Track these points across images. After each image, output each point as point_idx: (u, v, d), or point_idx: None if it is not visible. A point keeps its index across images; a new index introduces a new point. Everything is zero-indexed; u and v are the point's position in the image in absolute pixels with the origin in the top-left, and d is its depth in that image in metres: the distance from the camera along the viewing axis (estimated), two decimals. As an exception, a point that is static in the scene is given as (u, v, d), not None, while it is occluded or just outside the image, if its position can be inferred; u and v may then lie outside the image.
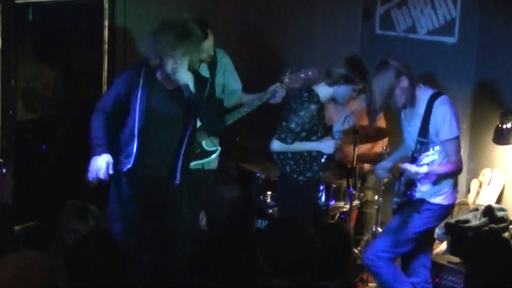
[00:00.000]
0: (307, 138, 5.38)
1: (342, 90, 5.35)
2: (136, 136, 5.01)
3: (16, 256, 3.23)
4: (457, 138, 4.94)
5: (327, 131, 5.59)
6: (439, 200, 5.06)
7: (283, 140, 5.34)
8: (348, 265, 3.91)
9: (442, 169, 4.94)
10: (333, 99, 5.48)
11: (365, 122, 6.36)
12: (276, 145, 5.39)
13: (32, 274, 3.08)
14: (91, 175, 5.00)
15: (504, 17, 6.02)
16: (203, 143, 5.63)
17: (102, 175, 4.98)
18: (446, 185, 5.05)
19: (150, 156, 5.09)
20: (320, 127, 5.41)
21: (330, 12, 6.99)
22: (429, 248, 5.39)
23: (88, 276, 3.38)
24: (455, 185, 5.13)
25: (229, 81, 5.76)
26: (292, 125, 5.31)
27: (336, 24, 6.96)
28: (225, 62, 5.73)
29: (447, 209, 5.17)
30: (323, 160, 5.43)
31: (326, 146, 5.39)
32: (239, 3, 7.36)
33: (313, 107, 5.30)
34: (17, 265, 3.10)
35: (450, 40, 6.32)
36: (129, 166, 5.05)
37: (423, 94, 4.97)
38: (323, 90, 5.37)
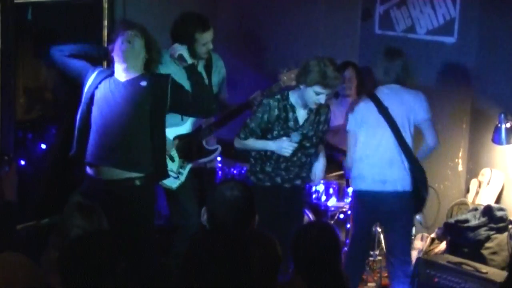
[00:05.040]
0: (263, 137, 5.33)
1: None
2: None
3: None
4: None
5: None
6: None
7: (238, 135, 5.36)
8: (339, 263, 3.91)
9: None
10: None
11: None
12: (235, 141, 5.40)
13: (19, 276, 3.09)
14: None
15: (504, 17, 6.02)
16: (203, 142, 5.67)
17: None
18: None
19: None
20: (278, 127, 5.28)
21: (329, 11, 6.99)
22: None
23: (80, 276, 3.29)
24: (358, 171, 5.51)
25: (218, 84, 5.80)
26: (248, 120, 5.34)
27: (335, 24, 6.96)
28: (219, 65, 5.80)
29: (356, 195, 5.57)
30: (282, 164, 5.30)
31: (279, 147, 5.24)
32: (238, 3, 7.37)
33: (265, 102, 5.28)
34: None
35: (450, 40, 6.32)
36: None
37: None
38: (291, 94, 5.34)
